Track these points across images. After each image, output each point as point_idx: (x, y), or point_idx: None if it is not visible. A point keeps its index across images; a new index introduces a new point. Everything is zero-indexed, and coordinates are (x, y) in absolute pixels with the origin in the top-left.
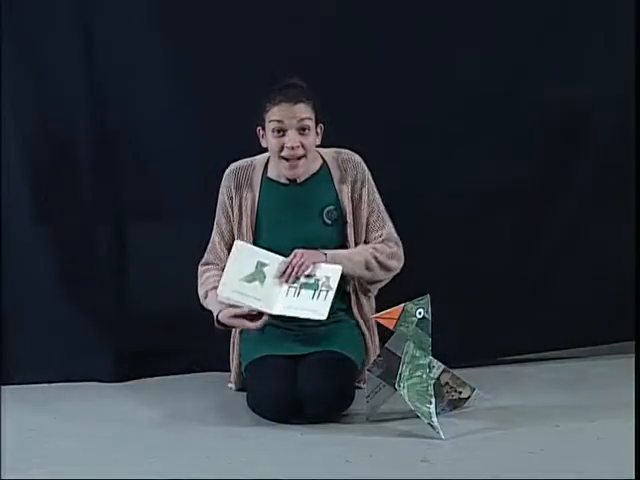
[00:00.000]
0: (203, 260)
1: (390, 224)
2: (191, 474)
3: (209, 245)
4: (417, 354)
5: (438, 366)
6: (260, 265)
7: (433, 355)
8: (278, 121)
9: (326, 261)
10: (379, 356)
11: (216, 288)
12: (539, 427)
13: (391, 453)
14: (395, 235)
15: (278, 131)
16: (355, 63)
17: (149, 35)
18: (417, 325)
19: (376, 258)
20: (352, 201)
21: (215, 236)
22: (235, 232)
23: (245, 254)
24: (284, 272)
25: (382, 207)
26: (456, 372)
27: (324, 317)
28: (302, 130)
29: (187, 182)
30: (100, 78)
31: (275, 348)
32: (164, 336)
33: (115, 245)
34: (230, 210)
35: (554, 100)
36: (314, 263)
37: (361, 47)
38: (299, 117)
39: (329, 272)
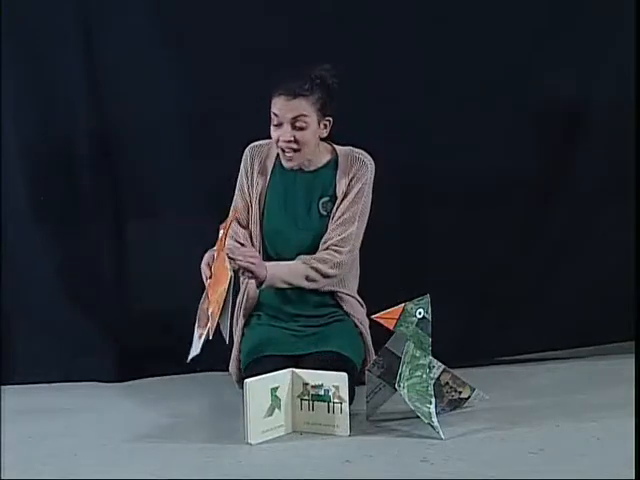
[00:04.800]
0: None
1: (354, 228)
2: (191, 474)
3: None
4: (417, 354)
5: (438, 366)
6: (274, 391)
7: (433, 355)
8: (275, 114)
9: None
10: (379, 356)
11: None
12: (539, 427)
13: (391, 453)
14: (352, 242)
15: (276, 123)
16: (355, 61)
17: (149, 35)
18: (417, 325)
19: (317, 270)
20: (342, 194)
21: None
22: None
23: (257, 388)
24: None
25: (360, 211)
26: (456, 372)
27: (347, 434)
28: (296, 125)
29: (187, 182)
30: (100, 78)
31: (275, 348)
32: (164, 336)
33: (115, 245)
34: (247, 191)
35: (556, 98)
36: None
37: (360, 46)
38: (294, 114)
39: (336, 381)
